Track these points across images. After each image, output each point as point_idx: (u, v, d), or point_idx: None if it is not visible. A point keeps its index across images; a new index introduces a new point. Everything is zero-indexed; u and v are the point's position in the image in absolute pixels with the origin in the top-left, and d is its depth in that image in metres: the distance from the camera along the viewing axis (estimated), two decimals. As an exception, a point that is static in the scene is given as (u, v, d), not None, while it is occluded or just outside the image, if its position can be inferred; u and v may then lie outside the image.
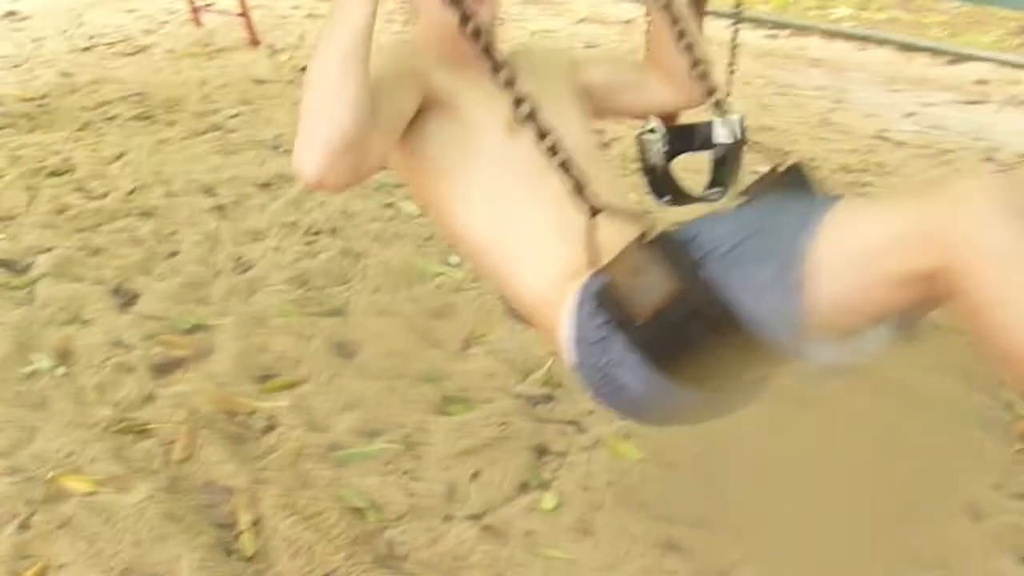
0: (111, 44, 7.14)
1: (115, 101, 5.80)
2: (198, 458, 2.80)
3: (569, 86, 2.10)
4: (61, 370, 3.18)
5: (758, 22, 8.02)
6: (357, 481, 2.74)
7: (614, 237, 1.58)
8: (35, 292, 3.65)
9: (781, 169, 1.92)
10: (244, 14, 7.18)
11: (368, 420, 2.98)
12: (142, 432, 2.91)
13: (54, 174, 4.71)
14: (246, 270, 3.85)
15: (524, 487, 2.77)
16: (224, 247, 4.02)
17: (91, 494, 2.64)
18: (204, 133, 5.36)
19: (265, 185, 4.65)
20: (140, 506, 2.57)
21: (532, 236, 1.81)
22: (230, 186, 4.61)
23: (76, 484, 2.68)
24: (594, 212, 1.61)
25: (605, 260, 1.57)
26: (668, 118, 3.26)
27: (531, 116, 1.61)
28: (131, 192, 4.52)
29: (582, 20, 8.36)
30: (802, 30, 8.15)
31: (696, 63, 2.06)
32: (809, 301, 1.41)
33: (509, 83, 1.60)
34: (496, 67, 1.60)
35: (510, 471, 2.80)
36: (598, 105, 2.18)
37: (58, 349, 3.27)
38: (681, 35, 2.01)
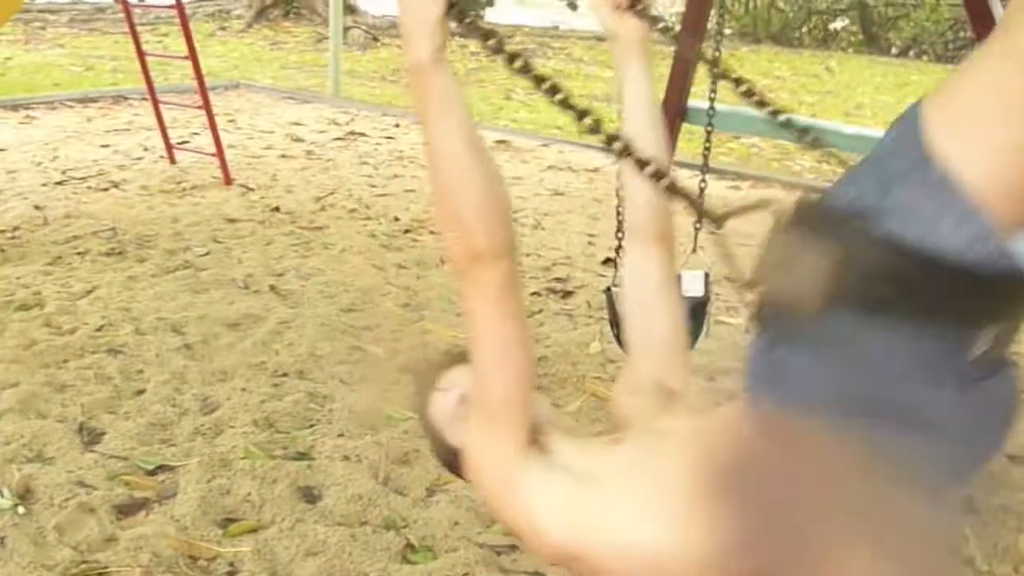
0: (84, 179, 7.24)
1: (86, 236, 5.86)
2: (158, 604, 2.78)
3: None
4: (21, 509, 3.15)
5: (720, 173, 8.19)
6: (318, 631, 2.71)
7: None
8: (-2, 428, 3.63)
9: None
10: (218, 153, 7.31)
11: (330, 568, 2.96)
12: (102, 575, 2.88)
13: (22, 308, 4.73)
14: (212, 411, 3.85)
15: (487, 639, 2.75)
16: (191, 387, 4.02)
17: (47, 640, 2.61)
18: (175, 271, 5.40)
19: (234, 325, 4.68)
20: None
21: None
22: (199, 325, 4.64)
23: (32, 629, 2.65)
24: None
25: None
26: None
27: None
28: (99, 328, 4.53)
29: (549, 167, 8.52)
30: (763, 181, 8.32)
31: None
32: (981, 194, 1.23)
33: None
34: None
35: (473, 622, 2.78)
36: None
37: (19, 487, 3.25)
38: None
